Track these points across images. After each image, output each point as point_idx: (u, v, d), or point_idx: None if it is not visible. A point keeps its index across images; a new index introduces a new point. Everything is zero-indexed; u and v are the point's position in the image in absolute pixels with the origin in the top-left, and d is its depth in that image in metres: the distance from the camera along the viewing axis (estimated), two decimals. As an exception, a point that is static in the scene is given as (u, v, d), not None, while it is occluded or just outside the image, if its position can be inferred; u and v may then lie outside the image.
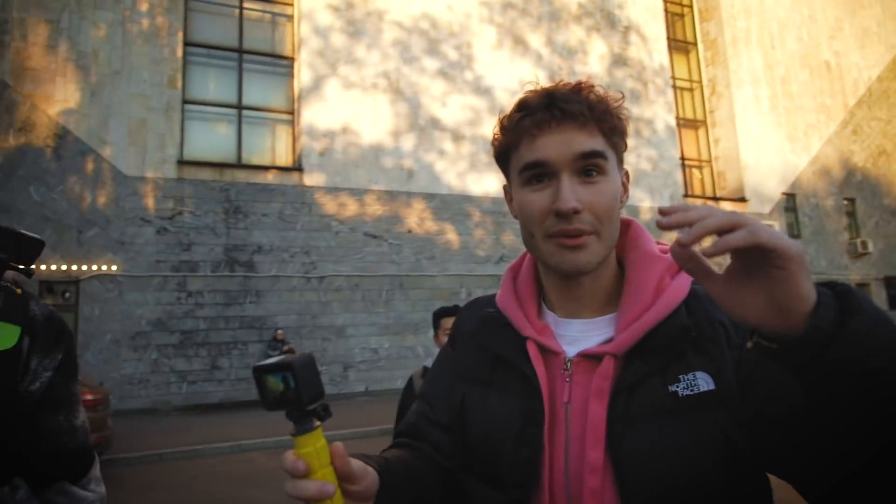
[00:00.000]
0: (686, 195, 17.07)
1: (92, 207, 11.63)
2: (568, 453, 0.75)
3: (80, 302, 11.41)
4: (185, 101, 12.69)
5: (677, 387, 0.71)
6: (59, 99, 11.58)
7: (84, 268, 11.42)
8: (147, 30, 12.33)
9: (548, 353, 0.81)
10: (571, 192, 0.75)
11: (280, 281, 12.73)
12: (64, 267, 11.28)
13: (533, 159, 0.76)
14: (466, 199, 14.54)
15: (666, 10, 18.29)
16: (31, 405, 0.98)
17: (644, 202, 16.24)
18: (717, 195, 17.83)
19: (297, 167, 13.22)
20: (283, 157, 13.54)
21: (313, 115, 13.42)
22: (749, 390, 0.66)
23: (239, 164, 12.89)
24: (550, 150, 0.76)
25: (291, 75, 13.84)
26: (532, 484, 0.75)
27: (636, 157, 16.29)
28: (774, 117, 18.51)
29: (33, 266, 0.98)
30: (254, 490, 6.54)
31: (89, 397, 7.25)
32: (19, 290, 0.99)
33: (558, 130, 0.76)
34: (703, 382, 0.71)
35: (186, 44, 12.85)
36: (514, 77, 15.15)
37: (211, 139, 13.05)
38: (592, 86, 0.78)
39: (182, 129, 12.61)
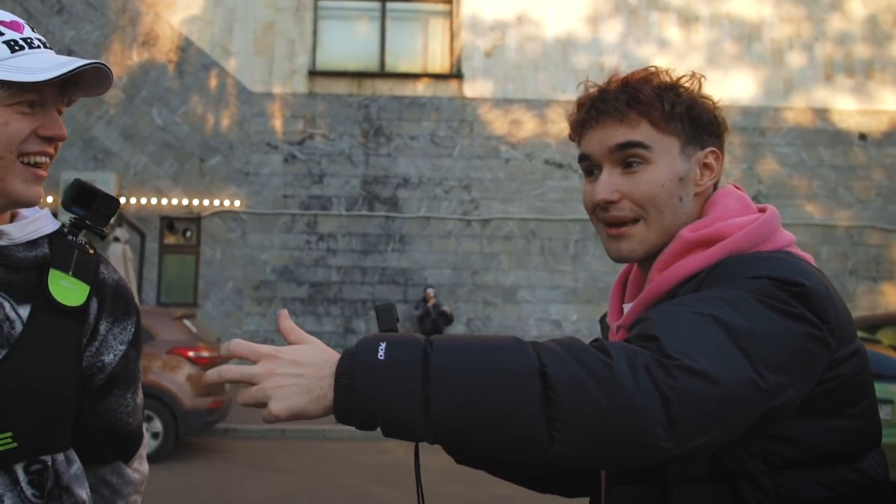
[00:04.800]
0: None
1: (215, 131, 13.46)
2: None
3: (201, 242, 13.33)
4: (317, -2, 14.09)
5: None
6: (182, 5, 13.56)
7: (206, 203, 13.29)
8: None
9: (610, 329, 1.26)
10: (608, 184, 1.13)
11: (431, 224, 13.45)
12: (185, 202, 13.26)
13: (581, 153, 1.18)
14: None
15: None
16: (105, 380, 1.28)
17: None
18: None
19: (456, 73, 13.81)
20: (438, 62, 14.21)
21: (477, 2, 13.87)
22: None
23: (381, 73, 13.86)
24: (593, 146, 1.15)
25: (450, -50, 14.44)
26: None
27: None
28: None
29: (107, 228, 1.29)
30: (388, 488, 7.11)
31: (205, 354, 8.66)
32: (92, 251, 1.28)
33: (598, 127, 1.14)
34: None
35: (318, -76, 14.14)
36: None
37: (348, 43, 14.19)
38: (648, 76, 1.15)
39: (314, 33, 13.91)
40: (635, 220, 1.13)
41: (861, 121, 14.08)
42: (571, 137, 1.23)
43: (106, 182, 12.40)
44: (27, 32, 1.19)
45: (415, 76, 13.82)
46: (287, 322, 0.98)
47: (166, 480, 7.09)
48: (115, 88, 13.11)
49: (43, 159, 1.18)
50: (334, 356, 0.90)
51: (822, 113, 14.08)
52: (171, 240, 13.53)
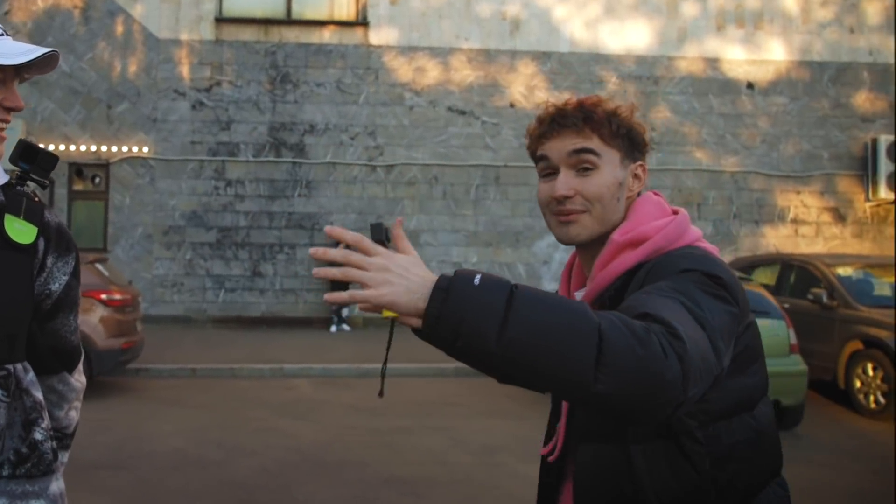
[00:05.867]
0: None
1: (122, 78, 13.82)
2: None
3: (109, 188, 13.77)
4: (224, -58, 14.27)
5: None
6: None
7: (114, 149, 13.70)
8: None
9: None
10: (565, 183, 1.39)
11: (337, 169, 14.01)
12: (93, 148, 13.67)
13: (541, 154, 1.43)
14: (598, 58, 14.56)
15: None
16: (52, 305, 1.55)
17: None
18: None
19: (362, 21, 14.23)
20: (344, 9, 14.59)
21: None
22: None
23: (288, 20, 14.23)
24: (552, 151, 1.41)
25: None
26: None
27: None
28: None
29: (47, 179, 1.57)
30: (294, 422, 7.57)
31: (118, 297, 8.91)
32: (37, 199, 1.54)
33: (558, 137, 1.40)
34: None
35: None
36: None
37: None
38: (598, 101, 1.41)
39: (220, -23, 14.18)
40: (583, 211, 1.40)
41: (749, 70, 14.80)
42: (529, 146, 1.49)
43: (13, 129, 12.65)
44: None
45: (321, 23, 14.16)
46: (399, 230, 1.18)
47: (82, 417, 7.03)
48: (21, 34, 13.24)
49: (3, 125, 1.43)
50: (433, 275, 1.09)
51: (713, 62, 14.75)
52: (79, 186, 13.93)
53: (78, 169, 13.79)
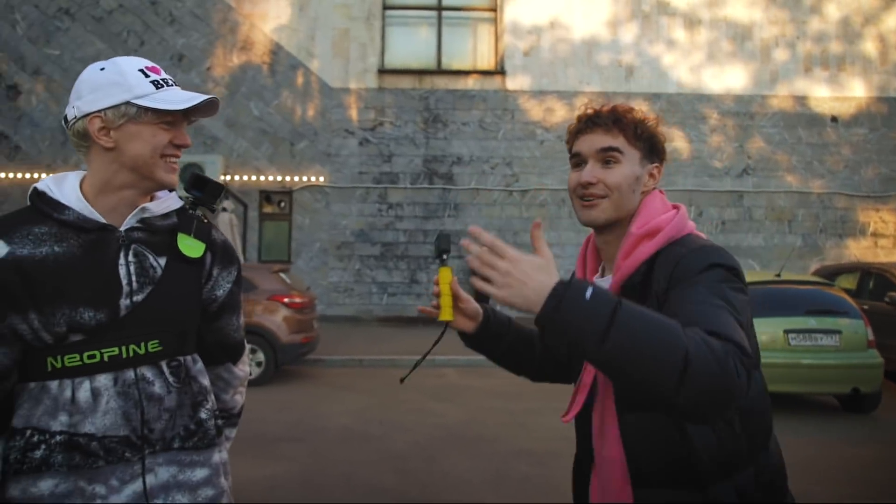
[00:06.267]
0: None
1: (302, 120, 16.23)
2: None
3: (292, 211, 16.22)
4: (385, 7, 16.65)
5: None
6: (273, 16, 16.31)
7: (296, 179, 16.15)
8: (348, -64, 16.43)
9: None
10: (592, 173, 1.62)
11: (480, 194, 16.12)
12: (279, 178, 16.13)
13: (575, 151, 1.69)
14: (701, 98, 16.34)
15: None
16: (217, 307, 1.79)
17: None
18: None
19: (500, 70, 16.37)
20: (485, 60, 16.77)
21: (517, 11, 16.44)
22: None
23: (438, 70, 16.49)
24: (584, 146, 1.66)
25: (494, -34, 16.83)
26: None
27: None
28: None
29: (216, 204, 1.83)
30: (441, 404, 8.30)
31: (298, 300, 9.94)
32: (206, 220, 1.79)
33: (591, 133, 1.65)
34: None
35: (385, -54, 16.65)
36: (767, -60, 16.36)
37: (411, 45, 16.80)
38: (629, 109, 1.67)
39: (383, 37, 16.59)
40: (603, 197, 1.62)
41: (833, 106, 16.19)
42: (567, 142, 1.72)
43: (214, 163, 14.99)
44: (163, 74, 1.62)
45: (466, 73, 16.17)
46: (538, 231, 1.39)
47: (269, 399, 8.13)
48: (220, 86, 15.88)
49: (175, 159, 1.63)
50: (553, 280, 1.27)
51: (801, 100, 16.27)
52: (268, 209, 16.09)
53: (267, 195, 16.10)
